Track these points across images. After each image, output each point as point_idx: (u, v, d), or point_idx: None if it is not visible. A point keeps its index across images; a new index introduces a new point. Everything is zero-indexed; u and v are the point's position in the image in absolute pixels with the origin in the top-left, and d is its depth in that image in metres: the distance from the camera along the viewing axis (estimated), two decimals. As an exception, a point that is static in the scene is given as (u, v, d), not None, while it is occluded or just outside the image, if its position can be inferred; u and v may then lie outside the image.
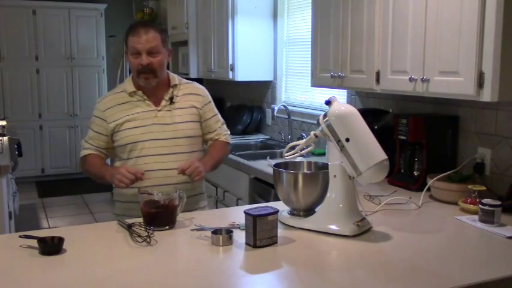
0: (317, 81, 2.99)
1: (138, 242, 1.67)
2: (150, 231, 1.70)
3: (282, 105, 3.93)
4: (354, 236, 1.73)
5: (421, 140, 2.39)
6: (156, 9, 5.84)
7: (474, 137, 2.39)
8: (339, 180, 1.77)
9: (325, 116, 1.79)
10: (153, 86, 2.18)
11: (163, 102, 2.20)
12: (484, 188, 2.07)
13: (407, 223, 1.95)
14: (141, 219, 1.82)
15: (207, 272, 1.47)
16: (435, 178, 2.20)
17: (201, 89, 2.34)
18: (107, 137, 2.20)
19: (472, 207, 2.01)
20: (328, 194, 1.80)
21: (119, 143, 2.19)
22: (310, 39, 3.01)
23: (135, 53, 2.13)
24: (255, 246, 1.62)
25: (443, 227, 1.92)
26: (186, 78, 2.37)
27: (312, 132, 1.84)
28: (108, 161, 2.38)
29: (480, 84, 1.91)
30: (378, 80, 2.46)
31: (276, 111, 3.88)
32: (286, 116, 3.92)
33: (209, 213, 2.07)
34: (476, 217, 1.92)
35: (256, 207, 1.70)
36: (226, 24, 4.10)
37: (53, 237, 1.62)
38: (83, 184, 6.55)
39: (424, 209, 2.12)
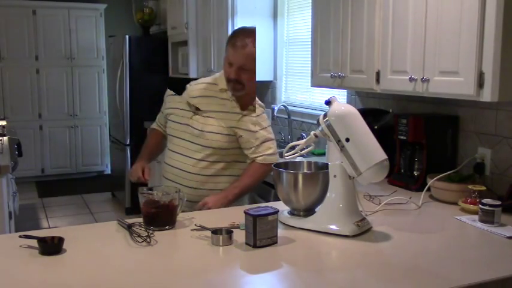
0: (317, 81, 2.99)
1: (138, 242, 1.67)
2: (150, 231, 1.70)
3: (282, 105, 3.93)
4: (354, 236, 1.73)
5: (421, 140, 2.39)
6: (156, 9, 5.83)
7: (474, 137, 2.39)
8: (339, 180, 1.77)
9: (325, 116, 1.79)
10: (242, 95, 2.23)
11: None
12: (484, 188, 2.07)
13: (407, 223, 1.95)
14: (141, 219, 1.82)
15: (207, 272, 1.47)
16: (435, 178, 2.20)
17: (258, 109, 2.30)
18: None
19: (472, 207, 2.01)
20: (328, 194, 1.80)
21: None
22: (310, 39, 3.01)
23: (228, 62, 2.17)
24: (255, 246, 1.62)
25: (443, 227, 1.92)
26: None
27: (312, 132, 1.84)
28: None
29: (480, 84, 1.91)
30: (378, 80, 2.46)
31: (276, 111, 3.88)
32: (286, 116, 3.92)
33: (209, 213, 2.08)
34: (476, 217, 1.92)
35: (256, 207, 1.70)
36: (226, 24, 4.09)
37: (53, 237, 1.61)
38: (83, 184, 6.57)
39: (424, 209, 2.12)
